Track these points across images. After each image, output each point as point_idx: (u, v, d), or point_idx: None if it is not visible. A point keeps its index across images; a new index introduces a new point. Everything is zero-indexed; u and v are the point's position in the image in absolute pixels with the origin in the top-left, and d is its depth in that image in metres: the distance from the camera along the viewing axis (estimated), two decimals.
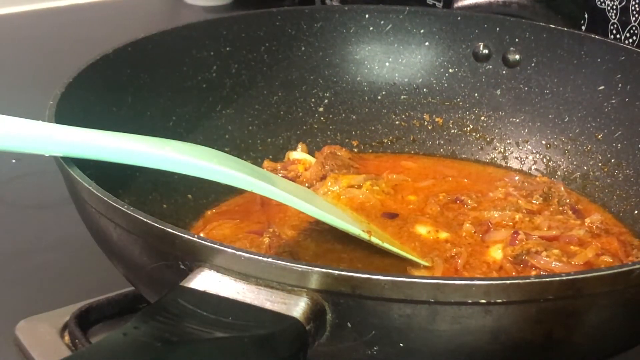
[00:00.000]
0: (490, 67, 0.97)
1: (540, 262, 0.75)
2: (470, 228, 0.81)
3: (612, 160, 0.89)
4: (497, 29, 0.96)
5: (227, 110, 0.92)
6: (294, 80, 0.97)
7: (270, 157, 0.93)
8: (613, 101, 0.89)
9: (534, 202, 0.86)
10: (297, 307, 0.52)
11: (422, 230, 0.81)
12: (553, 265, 0.74)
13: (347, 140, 0.98)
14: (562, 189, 0.87)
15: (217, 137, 0.90)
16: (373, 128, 0.99)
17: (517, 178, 0.93)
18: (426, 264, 0.75)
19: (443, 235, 0.80)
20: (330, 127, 0.98)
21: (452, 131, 0.98)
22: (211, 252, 0.54)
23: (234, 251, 0.53)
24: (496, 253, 0.78)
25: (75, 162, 0.63)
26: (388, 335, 0.54)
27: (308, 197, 0.78)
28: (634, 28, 0.96)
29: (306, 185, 0.88)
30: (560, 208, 0.85)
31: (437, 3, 1.18)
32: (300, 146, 0.95)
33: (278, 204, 0.70)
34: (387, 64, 0.99)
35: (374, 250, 0.75)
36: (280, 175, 0.88)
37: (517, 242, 0.77)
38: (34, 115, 0.63)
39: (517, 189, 0.88)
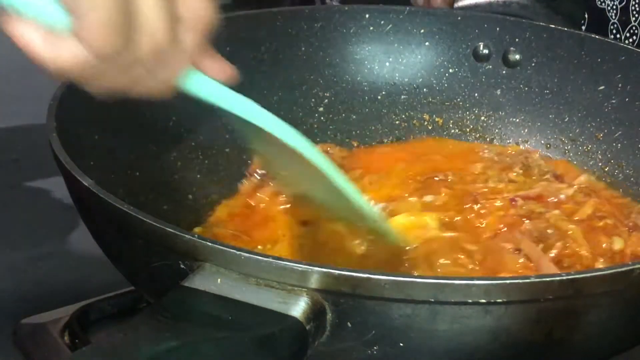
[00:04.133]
0: (490, 67, 0.97)
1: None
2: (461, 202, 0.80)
3: (612, 160, 0.89)
4: (497, 29, 0.96)
5: None
6: (294, 80, 0.97)
7: None
8: (613, 101, 0.89)
9: (514, 174, 0.85)
10: (297, 307, 0.52)
11: (403, 218, 0.80)
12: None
13: (347, 140, 0.98)
14: (538, 156, 0.87)
15: (217, 137, 0.90)
16: (373, 128, 0.99)
17: (486, 151, 0.92)
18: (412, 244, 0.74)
19: (434, 215, 0.80)
20: (330, 127, 0.98)
21: (452, 131, 0.98)
22: (211, 252, 0.54)
23: (234, 251, 0.53)
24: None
25: (75, 162, 0.63)
26: (388, 335, 0.54)
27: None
28: (634, 28, 0.96)
29: None
30: (542, 177, 0.85)
31: None
32: None
33: (278, 204, 0.70)
34: (387, 64, 0.99)
35: (373, 250, 0.75)
36: None
37: (516, 205, 0.77)
38: (34, 116, 0.63)
39: (495, 163, 0.87)
